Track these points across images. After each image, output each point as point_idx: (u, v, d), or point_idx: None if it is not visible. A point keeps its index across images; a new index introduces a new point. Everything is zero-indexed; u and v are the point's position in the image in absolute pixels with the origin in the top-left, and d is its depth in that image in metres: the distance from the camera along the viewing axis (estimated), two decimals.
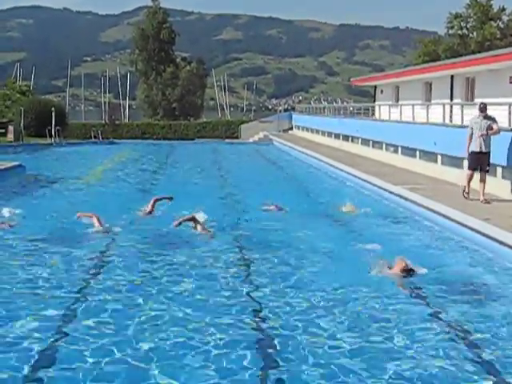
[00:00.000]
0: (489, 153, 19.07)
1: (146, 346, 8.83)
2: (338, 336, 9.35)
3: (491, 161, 19.61)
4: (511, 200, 19.67)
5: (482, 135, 18.91)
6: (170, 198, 20.17)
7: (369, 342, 9.14)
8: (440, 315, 10.52)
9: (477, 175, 19.72)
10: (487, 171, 19.19)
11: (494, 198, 19.81)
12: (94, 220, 16.84)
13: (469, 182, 19.50)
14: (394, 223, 18.63)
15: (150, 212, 18.87)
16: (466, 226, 16.75)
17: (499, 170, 20.46)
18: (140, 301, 10.79)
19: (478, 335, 9.60)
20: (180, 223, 16.75)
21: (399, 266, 12.42)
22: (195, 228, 16.52)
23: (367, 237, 16.33)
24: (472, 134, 19.28)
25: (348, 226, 18.31)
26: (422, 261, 13.86)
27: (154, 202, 19.26)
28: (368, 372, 8.09)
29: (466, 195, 19.43)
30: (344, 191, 25.83)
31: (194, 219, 16.71)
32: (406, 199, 21.35)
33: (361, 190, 25.47)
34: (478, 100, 31.78)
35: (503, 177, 20.53)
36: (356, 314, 10.39)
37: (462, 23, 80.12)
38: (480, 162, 19.20)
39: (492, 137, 19.18)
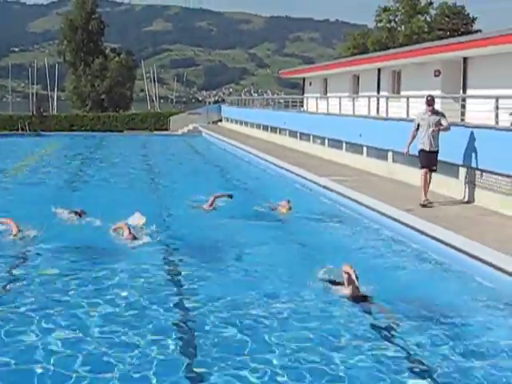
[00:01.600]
0: (437, 152, 17.42)
1: None
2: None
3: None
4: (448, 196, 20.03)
5: (432, 131, 17.22)
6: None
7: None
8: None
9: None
10: (434, 170, 17.60)
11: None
12: (12, 226, 15.32)
13: (425, 184, 17.48)
14: (321, 216, 18.68)
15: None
16: (389, 216, 17.08)
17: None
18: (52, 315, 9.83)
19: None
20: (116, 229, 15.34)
21: (350, 288, 10.72)
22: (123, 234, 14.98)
23: (298, 235, 16.33)
24: (417, 129, 17.63)
25: (280, 225, 17.63)
26: (346, 252, 14.21)
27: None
28: None
29: (426, 203, 17.24)
30: (271, 183, 26.07)
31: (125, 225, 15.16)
32: (332, 191, 21.60)
33: (288, 182, 25.63)
34: (404, 93, 32.20)
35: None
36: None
37: (390, 17, 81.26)
38: (430, 161, 17.45)
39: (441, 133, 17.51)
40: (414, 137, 17.85)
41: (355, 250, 14.68)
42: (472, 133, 18.02)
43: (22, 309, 10.17)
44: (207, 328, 9.50)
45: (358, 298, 10.52)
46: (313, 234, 16.30)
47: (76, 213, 17.06)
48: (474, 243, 13.29)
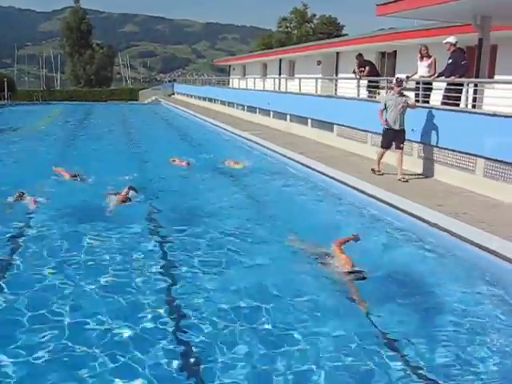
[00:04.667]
0: (403, 130, 13.28)
1: None
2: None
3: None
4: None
5: (401, 107, 12.99)
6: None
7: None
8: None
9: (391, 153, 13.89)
10: (402, 148, 13.31)
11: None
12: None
13: (379, 159, 13.63)
14: (242, 157, 18.84)
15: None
16: (284, 155, 17.52)
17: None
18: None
19: None
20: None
21: (343, 260, 7.48)
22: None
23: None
24: (384, 109, 13.25)
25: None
26: (263, 179, 14.45)
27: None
28: None
29: (377, 173, 13.53)
30: (207, 134, 25.93)
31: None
32: (250, 140, 21.81)
33: (219, 135, 25.53)
34: (297, 75, 32.45)
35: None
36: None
37: (287, 24, 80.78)
38: (394, 139, 13.32)
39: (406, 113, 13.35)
40: (382, 113, 13.37)
41: (268, 175, 14.95)
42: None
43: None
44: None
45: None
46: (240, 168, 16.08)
47: (74, 175, 13.64)
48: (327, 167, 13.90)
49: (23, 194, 11.27)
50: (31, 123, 30.95)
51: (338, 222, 10.35)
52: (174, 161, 16.51)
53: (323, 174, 14.34)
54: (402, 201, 10.82)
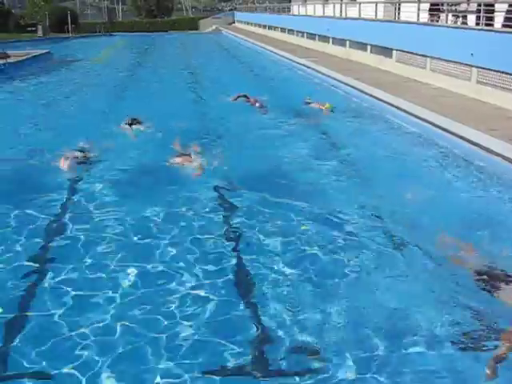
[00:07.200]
0: None
1: None
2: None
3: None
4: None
5: None
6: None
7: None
8: None
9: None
10: None
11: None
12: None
13: None
14: (300, 80, 19.22)
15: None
16: (339, 80, 17.63)
17: None
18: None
19: None
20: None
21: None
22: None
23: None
24: None
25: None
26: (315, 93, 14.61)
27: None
28: None
29: None
30: (269, 65, 25.90)
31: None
32: (308, 67, 21.76)
33: (278, 62, 25.52)
34: (358, 0, 31.79)
35: None
36: None
37: None
38: None
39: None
40: None
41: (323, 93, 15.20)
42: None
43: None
44: None
45: None
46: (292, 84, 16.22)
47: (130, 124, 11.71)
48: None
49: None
50: (94, 55, 31.59)
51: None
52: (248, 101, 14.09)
53: (380, 100, 14.40)
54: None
